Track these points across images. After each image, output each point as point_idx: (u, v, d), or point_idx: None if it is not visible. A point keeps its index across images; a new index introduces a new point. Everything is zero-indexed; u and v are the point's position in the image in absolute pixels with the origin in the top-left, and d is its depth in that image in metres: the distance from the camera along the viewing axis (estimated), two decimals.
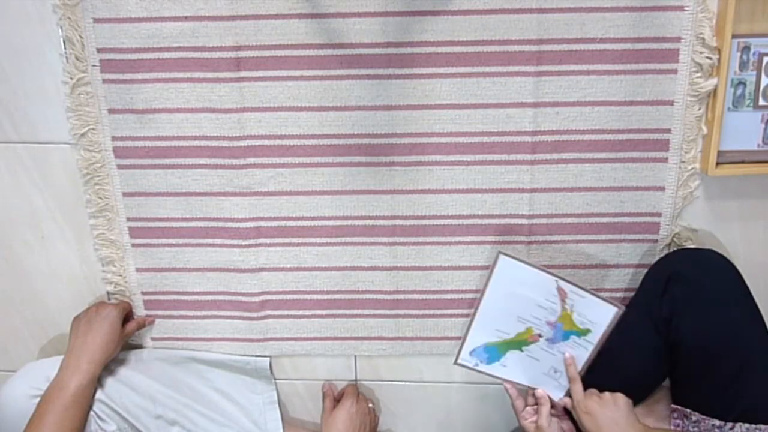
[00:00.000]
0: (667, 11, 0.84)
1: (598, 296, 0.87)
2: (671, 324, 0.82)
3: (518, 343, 0.93)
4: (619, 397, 0.82)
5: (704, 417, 0.79)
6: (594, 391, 0.85)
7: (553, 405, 0.91)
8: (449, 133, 0.90)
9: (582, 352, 0.90)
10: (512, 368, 0.94)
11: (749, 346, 0.79)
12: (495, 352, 0.94)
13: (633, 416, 0.81)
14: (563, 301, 0.89)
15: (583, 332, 0.89)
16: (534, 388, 0.92)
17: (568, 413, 0.91)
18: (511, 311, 0.91)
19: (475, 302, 0.93)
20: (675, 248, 0.93)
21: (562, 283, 0.88)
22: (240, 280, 0.99)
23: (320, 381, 1.05)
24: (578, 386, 0.87)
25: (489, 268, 0.90)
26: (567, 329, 0.90)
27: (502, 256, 0.88)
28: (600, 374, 0.93)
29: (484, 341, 0.94)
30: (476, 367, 0.96)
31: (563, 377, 0.91)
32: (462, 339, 0.95)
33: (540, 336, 0.91)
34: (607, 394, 0.83)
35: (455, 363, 0.96)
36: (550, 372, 0.92)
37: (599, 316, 0.88)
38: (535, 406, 0.91)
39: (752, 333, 0.79)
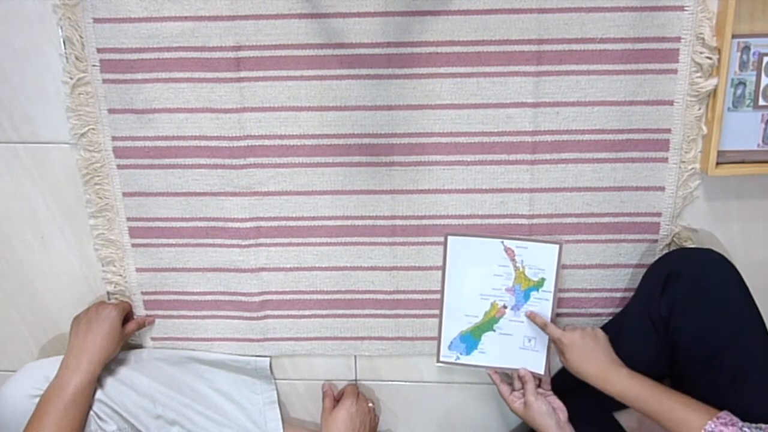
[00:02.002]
0: (667, 11, 0.84)
1: (537, 240, 0.92)
2: (670, 323, 0.82)
3: (489, 323, 0.95)
4: (598, 330, 0.88)
5: None
6: (573, 325, 0.90)
7: (540, 383, 0.93)
8: (449, 133, 0.90)
9: (545, 305, 0.93)
10: (491, 353, 0.96)
11: (749, 344, 0.79)
12: (471, 339, 0.97)
13: (611, 350, 0.86)
14: (513, 260, 0.93)
15: (539, 283, 0.92)
16: (516, 369, 0.94)
17: (555, 390, 0.92)
18: (473, 291, 0.95)
19: (439, 299, 0.97)
20: (675, 248, 0.93)
21: (507, 242, 0.92)
22: (240, 280, 0.99)
23: (320, 381, 1.05)
24: (551, 327, 0.90)
25: (442, 256, 0.94)
26: (525, 288, 0.93)
27: (449, 237, 0.93)
28: None
29: (458, 331, 0.97)
30: (458, 361, 0.98)
31: (537, 341, 0.94)
32: (438, 337, 0.97)
33: (505, 307, 0.94)
34: (588, 328, 0.88)
35: (437, 362, 0.98)
36: (525, 342, 0.95)
37: (546, 260, 0.92)
38: (522, 389, 0.93)
39: (751, 332, 0.79)
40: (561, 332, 0.88)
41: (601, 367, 0.84)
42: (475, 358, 0.98)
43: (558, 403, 0.90)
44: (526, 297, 0.94)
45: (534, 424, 0.89)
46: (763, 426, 0.72)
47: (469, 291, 0.95)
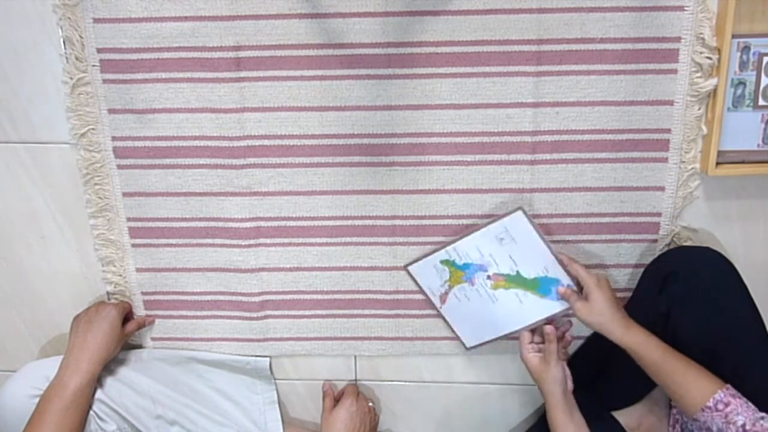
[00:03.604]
0: (667, 11, 0.84)
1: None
2: (669, 322, 0.83)
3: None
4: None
5: None
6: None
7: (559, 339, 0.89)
8: (449, 133, 0.90)
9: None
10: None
11: (746, 340, 0.79)
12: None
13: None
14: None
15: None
16: (544, 320, 0.90)
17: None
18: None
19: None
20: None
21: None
22: (240, 280, 0.99)
23: (320, 381, 1.05)
24: (582, 270, 0.85)
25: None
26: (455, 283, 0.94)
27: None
28: (599, 372, 0.93)
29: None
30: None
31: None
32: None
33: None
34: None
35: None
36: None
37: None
38: (541, 344, 0.89)
39: (749, 327, 0.80)
40: (592, 278, 0.84)
41: (624, 316, 0.82)
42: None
43: (568, 372, 0.88)
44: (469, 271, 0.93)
45: (543, 386, 0.87)
46: (765, 415, 0.72)
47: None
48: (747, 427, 0.71)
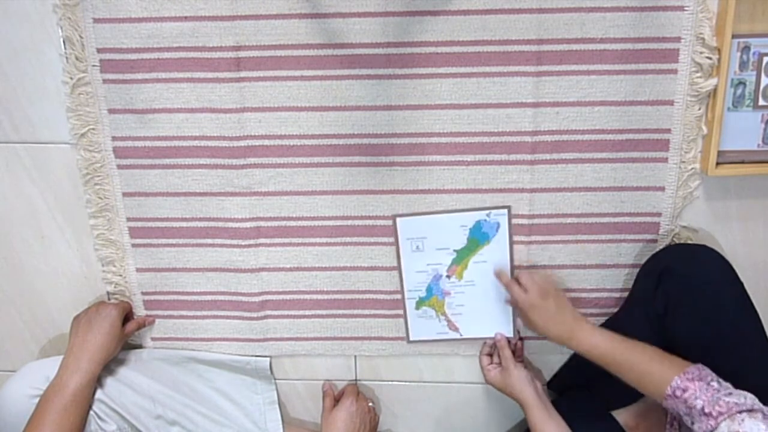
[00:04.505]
0: (667, 11, 0.84)
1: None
2: (666, 320, 0.83)
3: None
4: (557, 286, 0.89)
5: None
6: (530, 274, 0.88)
7: (514, 352, 0.95)
8: (449, 133, 0.90)
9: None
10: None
11: (743, 337, 0.79)
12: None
13: (571, 305, 0.86)
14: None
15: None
16: (490, 337, 0.96)
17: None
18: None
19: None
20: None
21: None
22: (240, 280, 0.99)
23: (320, 381, 1.05)
24: (513, 288, 0.88)
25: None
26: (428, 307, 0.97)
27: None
28: (597, 372, 0.93)
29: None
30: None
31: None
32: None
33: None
34: (546, 283, 0.87)
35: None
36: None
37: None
38: (495, 363, 0.95)
39: (745, 324, 0.80)
40: (521, 295, 0.87)
41: (566, 328, 0.84)
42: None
43: (532, 373, 0.92)
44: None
45: (513, 392, 0.90)
46: (731, 390, 0.71)
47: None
48: (706, 410, 0.69)
